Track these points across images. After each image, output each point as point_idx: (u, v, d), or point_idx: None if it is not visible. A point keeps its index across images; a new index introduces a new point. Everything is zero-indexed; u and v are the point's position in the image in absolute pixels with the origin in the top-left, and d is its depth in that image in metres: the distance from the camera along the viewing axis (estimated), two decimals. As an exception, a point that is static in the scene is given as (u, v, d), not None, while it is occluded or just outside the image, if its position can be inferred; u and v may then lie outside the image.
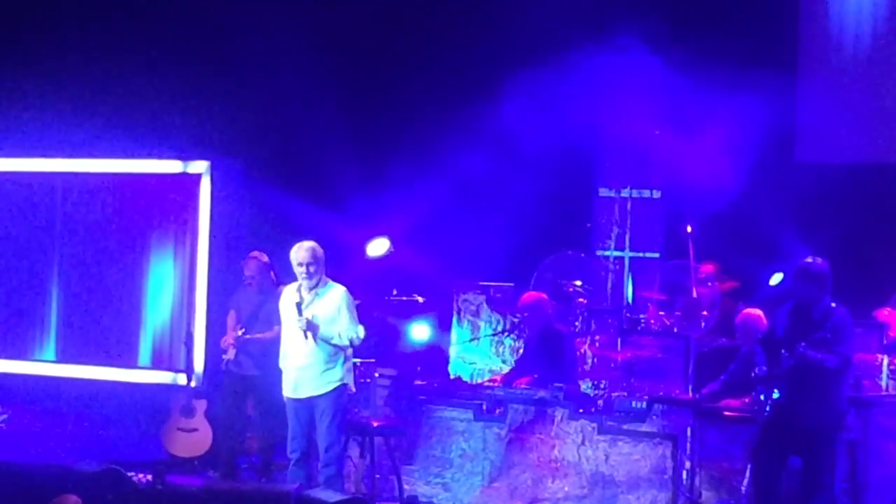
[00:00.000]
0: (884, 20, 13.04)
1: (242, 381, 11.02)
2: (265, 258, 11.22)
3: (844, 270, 10.38)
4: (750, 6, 12.71)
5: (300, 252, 9.57)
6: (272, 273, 11.19)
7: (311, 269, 9.53)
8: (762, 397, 9.14)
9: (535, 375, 11.07)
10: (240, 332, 11.02)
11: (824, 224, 12.11)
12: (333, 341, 9.50)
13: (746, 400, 9.91)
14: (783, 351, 8.79)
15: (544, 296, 11.64)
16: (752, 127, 12.28)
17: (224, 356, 11.14)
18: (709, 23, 12.50)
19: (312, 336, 9.45)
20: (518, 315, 12.13)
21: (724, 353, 11.09)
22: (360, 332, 9.56)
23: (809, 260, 9.13)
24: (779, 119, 12.58)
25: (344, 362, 9.57)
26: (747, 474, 9.52)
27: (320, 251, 9.62)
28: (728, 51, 12.09)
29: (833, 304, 9.01)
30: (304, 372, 9.58)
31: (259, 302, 11.05)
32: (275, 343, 10.14)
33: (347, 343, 9.52)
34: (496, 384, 11.39)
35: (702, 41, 12.16)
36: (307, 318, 9.45)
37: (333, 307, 9.55)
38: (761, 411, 9.14)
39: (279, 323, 10.10)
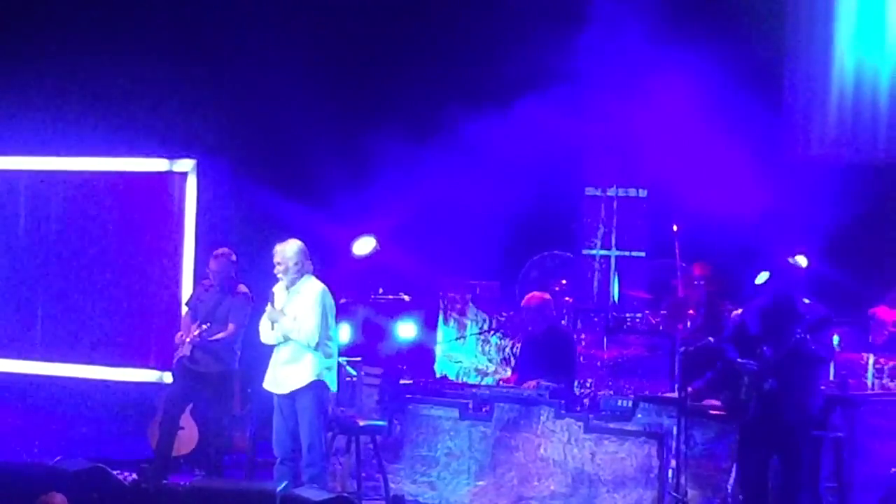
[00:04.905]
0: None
1: (196, 377, 10.93)
2: (233, 257, 11.09)
3: (835, 268, 10.43)
4: (738, 3, 12.72)
5: (275, 251, 9.67)
6: (233, 273, 11.08)
7: (280, 268, 9.64)
8: (742, 396, 9.15)
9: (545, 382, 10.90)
10: (197, 332, 10.85)
11: (814, 222, 12.11)
12: (292, 336, 9.54)
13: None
14: (763, 347, 8.90)
15: (548, 296, 11.52)
16: (740, 124, 12.28)
17: (177, 353, 11.05)
18: (696, 20, 12.49)
19: (274, 326, 9.58)
20: (521, 317, 12.05)
21: (711, 352, 11.07)
22: (314, 338, 9.49)
23: (788, 259, 9.23)
24: (767, 116, 12.60)
25: (320, 360, 9.57)
26: (733, 473, 9.54)
27: (291, 252, 9.63)
28: (715, 48, 12.08)
29: (807, 301, 9.12)
30: (280, 367, 9.67)
31: (217, 300, 10.94)
32: (231, 340, 10.69)
33: (305, 343, 9.52)
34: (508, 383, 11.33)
35: (689, 38, 12.15)
36: (272, 309, 9.57)
37: (302, 304, 9.60)
38: (743, 410, 9.17)
39: (235, 321, 10.69)
